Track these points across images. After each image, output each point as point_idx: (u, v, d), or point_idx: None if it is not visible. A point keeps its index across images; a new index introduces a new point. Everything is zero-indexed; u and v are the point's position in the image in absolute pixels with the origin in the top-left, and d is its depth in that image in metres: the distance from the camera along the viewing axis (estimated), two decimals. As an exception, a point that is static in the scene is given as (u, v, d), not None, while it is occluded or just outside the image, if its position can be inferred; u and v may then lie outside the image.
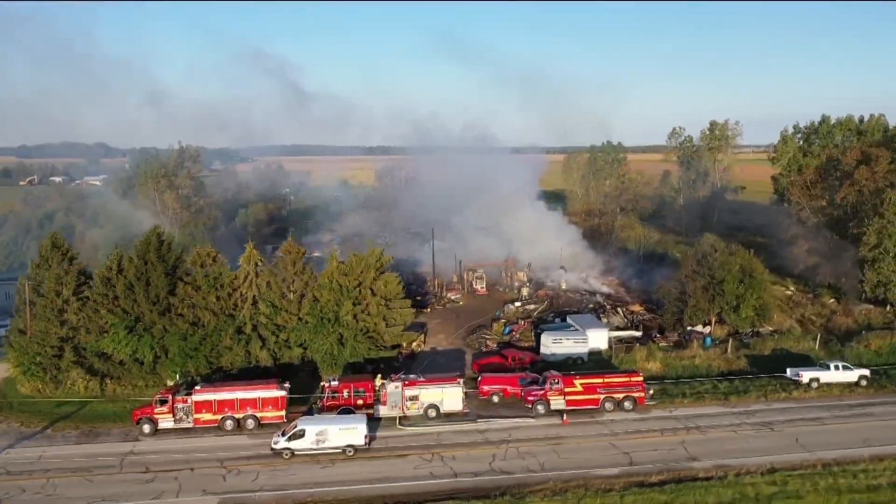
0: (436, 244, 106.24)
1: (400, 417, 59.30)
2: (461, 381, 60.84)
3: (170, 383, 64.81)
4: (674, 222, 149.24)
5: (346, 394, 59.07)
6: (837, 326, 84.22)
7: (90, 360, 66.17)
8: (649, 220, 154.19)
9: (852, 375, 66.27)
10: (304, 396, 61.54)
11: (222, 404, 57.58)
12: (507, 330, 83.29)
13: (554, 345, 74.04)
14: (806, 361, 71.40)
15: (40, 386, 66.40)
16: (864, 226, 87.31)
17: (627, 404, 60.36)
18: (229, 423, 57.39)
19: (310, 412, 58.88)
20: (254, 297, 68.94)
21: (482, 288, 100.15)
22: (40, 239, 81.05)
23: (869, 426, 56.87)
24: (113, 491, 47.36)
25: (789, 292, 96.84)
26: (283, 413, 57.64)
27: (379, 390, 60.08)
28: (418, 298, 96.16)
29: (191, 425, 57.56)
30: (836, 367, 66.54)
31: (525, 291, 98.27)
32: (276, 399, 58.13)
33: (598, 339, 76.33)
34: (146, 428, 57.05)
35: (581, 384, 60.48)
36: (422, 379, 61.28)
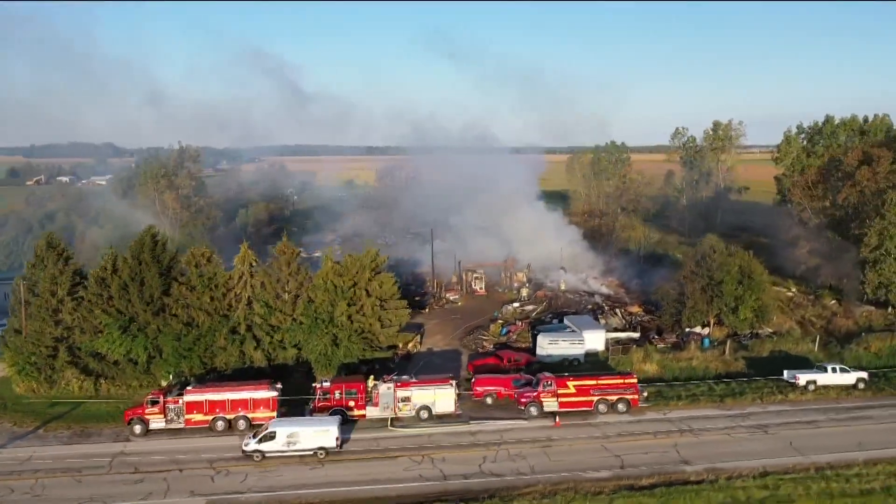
0: (436, 244, 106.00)
1: (392, 418, 59.07)
2: (453, 382, 60.50)
3: (164, 384, 64.82)
4: (677, 223, 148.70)
5: (337, 395, 58.83)
6: (838, 328, 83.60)
7: (85, 360, 66.28)
8: (652, 221, 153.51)
9: (850, 378, 65.61)
10: (299, 398, 61.05)
11: (213, 405, 57.48)
12: (505, 331, 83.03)
13: (550, 346, 73.69)
14: (805, 363, 70.83)
15: (35, 386, 66.56)
16: (866, 227, 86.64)
17: (621, 406, 59.93)
18: (220, 424, 57.30)
19: (303, 413, 58.75)
20: (248, 297, 68.85)
21: (481, 288, 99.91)
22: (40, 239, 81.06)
23: (865, 429, 56.26)
24: (101, 491, 47.28)
25: (790, 293, 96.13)
26: (274, 414, 57.38)
27: (371, 391, 59.85)
28: (417, 299, 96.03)
29: (182, 426, 57.48)
30: (834, 370, 65.89)
31: (524, 292, 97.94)
32: (267, 400, 57.96)
33: (594, 340, 75.97)
34: (137, 428, 57.00)
35: (574, 386, 60.12)
36: (414, 380, 60.94)
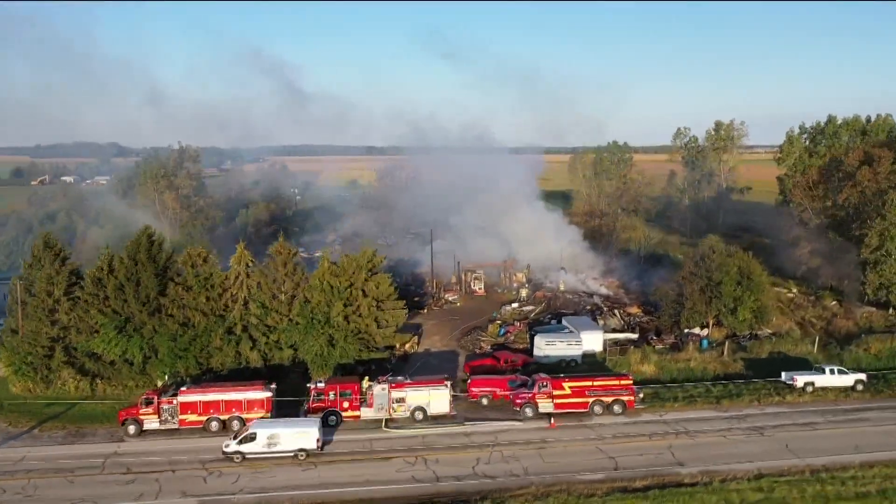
0: (436, 245, 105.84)
1: (386, 420, 58.88)
2: (448, 383, 60.27)
3: (160, 384, 64.75)
4: (678, 223, 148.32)
5: (331, 396, 58.63)
6: (838, 329, 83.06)
7: (81, 360, 66.26)
8: (655, 221, 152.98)
9: (848, 380, 65.18)
10: (295, 399, 60.89)
11: (207, 405, 57.42)
12: (503, 331, 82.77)
13: (547, 347, 73.39)
14: (804, 365, 70.42)
15: (31, 386, 66.56)
16: (866, 227, 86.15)
17: (617, 408, 59.64)
18: (214, 425, 57.20)
19: (297, 414, 58.62)
20: (244, 297, 68.75)
21: (480, 289, 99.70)
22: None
23: (862, 432, 55.87)
24: (93, 492, 47.22)
25: (791, 294, 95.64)
26: (268, 415, 57.27)
27: (365, 392, 59.66)
28: (416, 299, 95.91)
29: (176, 426, 57.42)
30: (832, 372, 65.48)
31: (523, 293, 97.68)
32: (261, 400, 57.88)
33: (592, 341, 75.67)
34: (131, 429, 56.93)
35: (570, 387, 59.87)
36: (408, 381, 60.72)
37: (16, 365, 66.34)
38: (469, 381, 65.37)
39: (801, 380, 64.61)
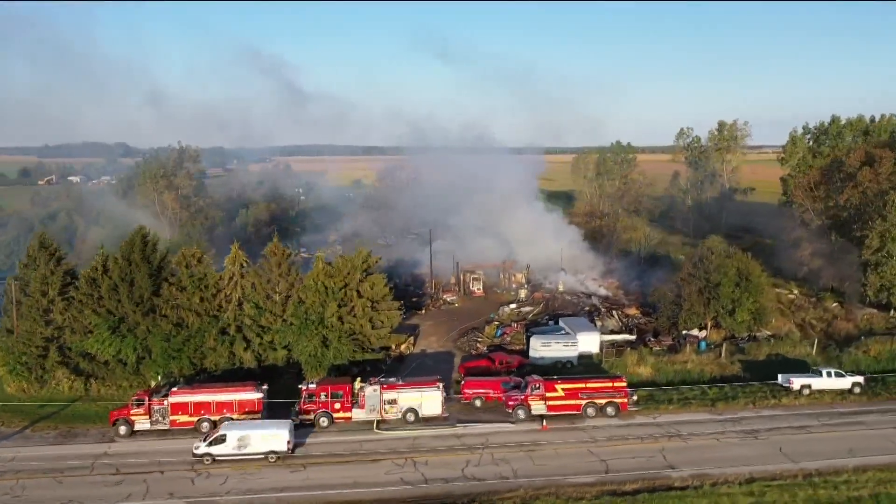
0: (436, 245, 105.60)
1: (378, 421, 58.59)
2: (440, 384, 59.90)
3: (153, 384, 64.71)
4: (681, 224, 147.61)
5: (323, 397, 58.41)
6: (838, 331, 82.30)
7: (75, 360, 66.37)
8: (658, 222, 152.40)
9: (845, 382, 64.56)
10: (287, 401, 60.57)
11: (198, 406, 57.31)
12: (499, 332, 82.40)
13: (543, 348, 72.96)
14: (802, 367, 69.76)
15: (25, 386, 66.64)
16: (868, 228, 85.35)
17: (610, 410, 59.21)
18: (206, 426, 56.99)
19: (289, 415, 58.38)
20: (238, 298, 68.65)
21: (479, 289, 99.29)
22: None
23: (857, 435, 55.26)
24: (80, 493, 47.17)
25: (792, 296, 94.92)
26: (259, 415, 57.12)
27: (357, 393, 59.41)
28: (414, 300, 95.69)
29: (167, 427, 57.32)
30: (829, 374, 64.89)
31: (522, 293, 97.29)
32: (252, 401, 57.73)
33: (588, 342, 75.15)
34: (122, 429, 56.86)
35: (563, 389, 59.45)
36: (400, 382, 60.41)
37: (10, 365, 66.52)
38: (463, 382, 65.04)
39: (797, 382, 64.05)
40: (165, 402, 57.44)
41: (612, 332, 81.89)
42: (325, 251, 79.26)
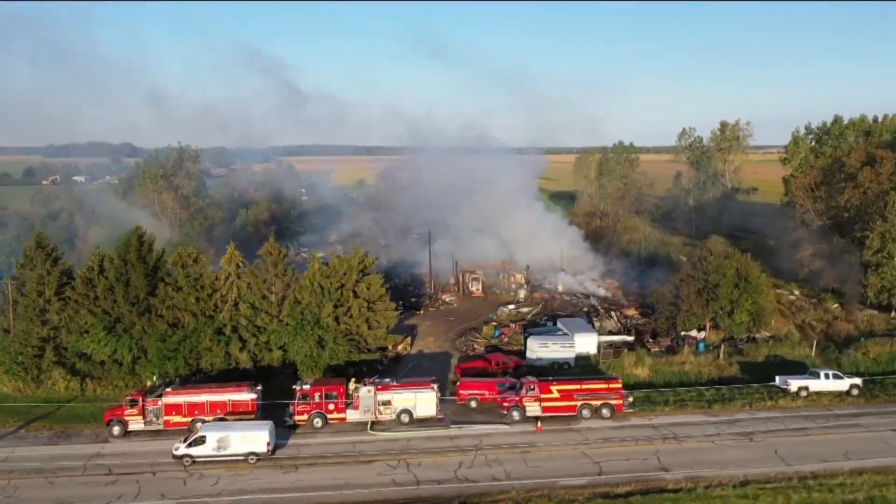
0: (437, 246, 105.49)
1: (372, 422, 58.40)
2: (435, 385, 59.65)
3: (149, 384, 64.66)
4: (683, 224, 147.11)
5: (317, 397, 58.23)
6: (838, 332, 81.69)
7: (71, 360, 66.28)
8: (660, 222, 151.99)
9: (843, 384, 64.11)
10: (283, 402, 60.31)
11: (192, 407, 57.17)
12: (497, 333, 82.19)
13: (540, 349, 72.67)
14: (801, 368, 69.24)
15: (21, 385, 66.62)
16: (868, 229, 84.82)
17: (605, 412, 58.90)
18: (199, 426, 56.81)
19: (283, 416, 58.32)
20: (234, 298, 68.55)
21: (478, 290, 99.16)
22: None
23: (853, 438, 54.84)
24: (72, 493, 47.12)
25: (793, 297, 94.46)
26: (253, 416, 57.00)
27: (352, 394, 59.25)
28: (413, 300, 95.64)
29: (161, 427, 57.22)
30: (827, 376, 64.43)
31: (521, 294, 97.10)
32: (246, 402, 57.59)
33: (586, 343, 74.84)
34: (116, 430, 56.76)
35: (558, 390, 59.14)
36: (395, 383, 60.20)
37: (6, 364, 66.46)
38: (458, 383, 64.82)
39: (794, 384, 63.62)
40: (159, 403, 57.37)
41: (611, 332, 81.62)
42: (327, 251, 79.03)
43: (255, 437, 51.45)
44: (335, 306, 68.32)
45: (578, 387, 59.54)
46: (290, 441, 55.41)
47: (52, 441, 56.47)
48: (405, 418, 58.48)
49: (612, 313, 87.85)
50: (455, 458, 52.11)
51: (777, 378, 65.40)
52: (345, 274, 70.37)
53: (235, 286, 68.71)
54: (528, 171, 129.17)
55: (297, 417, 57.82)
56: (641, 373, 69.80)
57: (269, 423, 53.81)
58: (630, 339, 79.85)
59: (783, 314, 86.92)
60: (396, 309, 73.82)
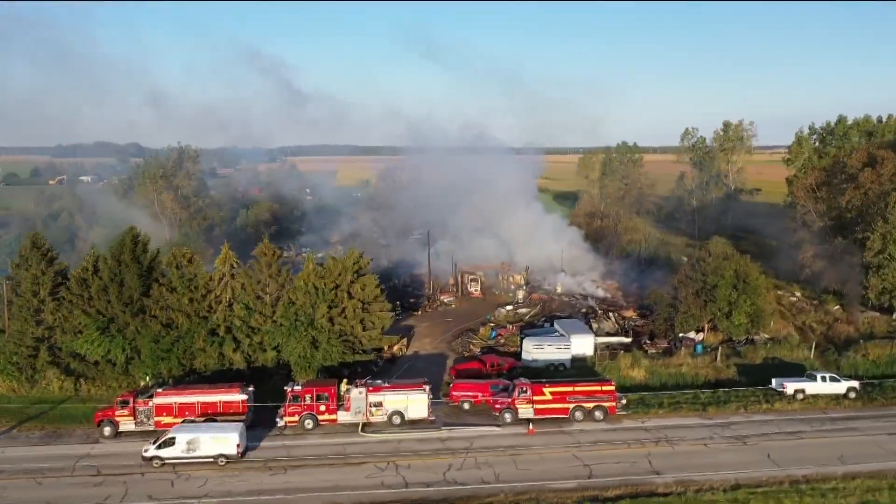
0: (437, 246, 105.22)
1: (364, 424, 58.11)
2: (427, 387, 59.28)
3: (142, 384, 64.60)
4: (686, 225, 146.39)
5: (308, 399, 58.00)
6: (838, 334, 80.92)
7: (65, 360, 66.34)
8: (663, 223, 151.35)
9: (840, 387, 63.37)
10: (275, 403, 60.04)
11: (183, 407, 56.99)
12: (494, 334, 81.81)
13: (535, 350, 72.23)
14: (800, 371, 68.41)
15: (15, 385, 66.66)
16: (869, 230, 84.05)
17: (598, 414, 58.43)
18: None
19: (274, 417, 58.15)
20: (228, 298, 68.44)
21: (476, 290, 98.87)
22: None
23: (848, 441, 54.18)
24: (59, 494, 47.02)
25: (794, 298, 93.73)
26: (244, 417, 56.82)
27: (343, 396, 58.99)
28: (412, 301, 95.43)
29: (152, 428, 56.95)
30: (824, 379, 63.70)
31: (520, 295, 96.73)
32: (237, 403, 57.39)
33: (582, 345, 74.40)
34: (107, 430, 56.64)
35: (550, 392, 58.66)
36: (386, 385, 59.88)
37: (1, 365, 66.55)
38: (451, 384, 64.49)
39: (791, 387, 62.95)
40: (150, 404, 57.24)
41: (608, 334, 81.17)
42: (328, 252, 78.88)
43: (225, 440, 51.07)
44: (329, 307, 68.13)
45: (571, 389, 59.06)
46: (280, 443, 55.23)
47: (43, 441, 56.39)
48: (397, 420, 58.16)
49: (610, 314, 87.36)
50: (445, 460, 51.79)
51: (774, 381, 64.76)
52: (339, 275, 70.22)
53: (229, 287, 68.62)
54: (528, 172, 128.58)
55: (287, 419, 57.58)
56: (637, 375, 69.24)
57: (241, 424, 53.39)
58: (627, 340, 79.42)
59: (784, 316, 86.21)
60: (393, 310, 73.74)
